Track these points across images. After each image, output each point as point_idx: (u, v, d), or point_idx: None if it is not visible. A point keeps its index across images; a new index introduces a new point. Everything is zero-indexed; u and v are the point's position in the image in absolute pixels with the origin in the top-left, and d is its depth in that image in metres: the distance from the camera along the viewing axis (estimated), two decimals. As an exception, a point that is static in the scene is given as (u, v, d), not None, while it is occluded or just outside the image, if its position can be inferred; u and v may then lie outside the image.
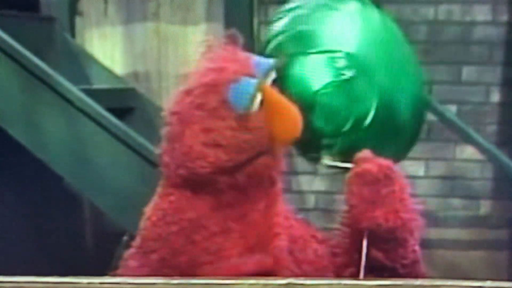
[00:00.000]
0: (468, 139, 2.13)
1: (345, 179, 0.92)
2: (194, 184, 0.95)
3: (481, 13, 2.29)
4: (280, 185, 0.97)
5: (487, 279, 0.88)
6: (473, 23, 2.30)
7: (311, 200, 2.22)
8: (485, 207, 2.31)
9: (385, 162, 0.91)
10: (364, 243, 0.89)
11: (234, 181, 0.93)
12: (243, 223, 0.93)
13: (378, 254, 0.90)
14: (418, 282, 0.89)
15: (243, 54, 0.96)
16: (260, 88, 0.93)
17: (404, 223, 0.89)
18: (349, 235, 0.92)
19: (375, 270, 0.90)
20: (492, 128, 2.32)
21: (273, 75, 0.95)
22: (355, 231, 0.91)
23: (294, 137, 0.92)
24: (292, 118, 0.92)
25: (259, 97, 0.93)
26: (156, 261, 0.93)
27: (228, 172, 0.93)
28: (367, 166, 0.90)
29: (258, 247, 0.92)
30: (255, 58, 0.96)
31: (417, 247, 0.93)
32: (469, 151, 2.26)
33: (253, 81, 0.92)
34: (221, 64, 0.94)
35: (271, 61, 0.95)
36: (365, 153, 0.93)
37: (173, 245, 0.94)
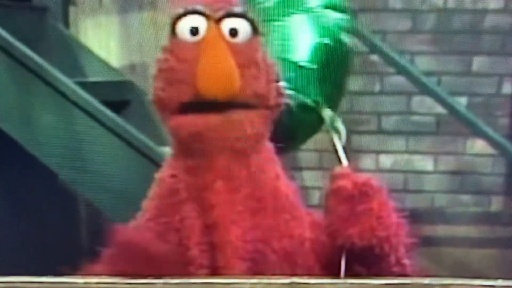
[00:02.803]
0: (478, 133, 2.14)
1: (324, 195, 0.93)
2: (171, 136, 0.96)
3: (493, 0, 2.29)
4: (256, 165, 0.92)
5: (498, 278, 0.88)
6: (484, 11, 2.30)
7: (315, 196, 2.23)
8: (496, 203, 2.32)
9: (362, 178, 0.90)
10: (342, 260, 0.90)
11: (180, 135, 0.91)
12: (200, 198, 0.92)
13: (359, 269, 0.91)
14: (427, 281, 0.89)
15: None
16: (209, 21, 0.91)
17: (381, 241, 0.89)
18: (330, 248, 0.92)
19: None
20: (504, 121, 2.32)
21: (235, 23, 0.91)
22: (334, 246, 0.91)
23: (217, 95, 0.88)
24: (216, 73, 0.89)
25: (201, 27, 0.90)
26: (146, 219, 0.95)
27: (170, 113, 0.91)
28: (341, 182, 0.90)
29: (213, 233, 0.91)
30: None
31: (405, 261, 0.93)
32: (479, 145, 2.26)
33: (199, 5, 0.91)
34: None
35: (244, 8, 0.92)
36: (343, 168, 0.93)
37: (157, 205, 0.95)
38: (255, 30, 0.93)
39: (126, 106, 2.03)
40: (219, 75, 0.90)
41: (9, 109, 1.65)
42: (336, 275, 0.90)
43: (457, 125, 2.20)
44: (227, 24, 0.92)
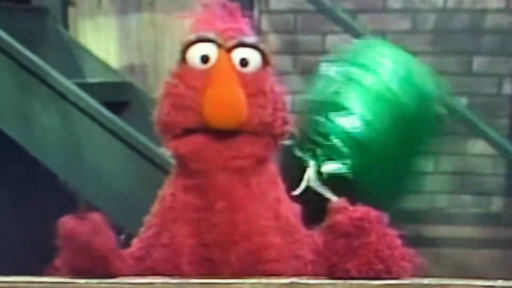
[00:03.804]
0: (479, 133, 2.14)
1: (321, 229, 0.93)
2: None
3: (493, 0, 2.30)
4: (258, 188, 0.94)
5: (498, 279, 0.89)
6: (484, 11, 2.30)
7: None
8: (497, 204, 2.32)
9: (358, 212, 0.91)
10: None
11: (181, 156, 0.92)
12: (199, 217, 0.93)
13: None
14: (427, 281, 0.90)
15: (234, 17, 0.95)
16: (220, 49, 0.92)
17: (379, 274, 0.90)
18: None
19: None
20: (504, 121, 2.33)
21: (246, 53, 0.92)
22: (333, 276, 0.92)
23: (223, 125, 0.90)
24: (224, 103, 0.90)
25: (212, 58, 0.91)
26: (149, 236, 0.96)
27: (173, 136, 0.93)
28: (338, 218, 0.91)
29: (213, 251, 0.92)
30: (241, 25, 0.95)
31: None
32: (480, 146, 2.27)
33: (211, 33, 0.92)
34: (203, 20, 0.94)
35: (255, 38, 0.94)
36: (340, 202, 0.93)
37: (158, 222, 0.96)
38: (265, 60, 0.94)
39: (125, 107, 2.04)
40: (226, 105, 0.90)
41: (8, 110, 1.66)
42: None
43: (457, 125, 2.20)
44: (238, 54, 0.93)
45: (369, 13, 2.35)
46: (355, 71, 1.07)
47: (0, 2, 1.91)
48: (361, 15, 2.31)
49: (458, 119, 2.14)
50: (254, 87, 0.93)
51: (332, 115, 1.04)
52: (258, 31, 2.37)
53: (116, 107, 1.89)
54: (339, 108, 1.05)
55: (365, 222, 0.91)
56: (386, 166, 1.04)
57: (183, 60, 0.94)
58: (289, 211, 0.97)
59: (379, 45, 1.11)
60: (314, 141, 1.04)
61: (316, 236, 0.96)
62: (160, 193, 0.98)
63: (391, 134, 1.05)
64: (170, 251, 0.93)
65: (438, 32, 2.34)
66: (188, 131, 0.92)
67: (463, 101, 2.30)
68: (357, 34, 2.11)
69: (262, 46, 0.94)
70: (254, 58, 0.94)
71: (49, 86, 1.63)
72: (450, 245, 2.15)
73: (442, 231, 2.19)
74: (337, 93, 1.05)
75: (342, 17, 2.13)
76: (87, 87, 1.72)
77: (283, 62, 2.32)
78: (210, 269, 0.92)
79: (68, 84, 1.65)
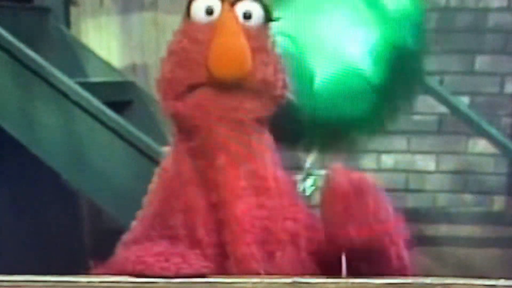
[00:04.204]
0: (481, 132, 2.14)
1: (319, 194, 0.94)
2: (172, 124, 0.97)
3: (496, -1, 2.30)
4: (257, 146, 0.94)
5: (500, 278, 0.89)
6: (487, 10, 2.30)
7: (316, 197, 2.23)
8: (498, 203, 2.32)
9: (356, 175, 0.92)
10: (343, 258, 0.91)
11: (181, 114, 0.93)
12: (203, 176, 0.93)
13: (360, 264, 0.92)
14: (429, 280, 0.90)
15: None
16: (223, 4, 0.92)
17: (380, 236, 0.90)
18: (328, 247, 0.94)
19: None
20: (506, 120, 2.32)
21: (249, 6, 0.92)
22: (332, 245, 0.93)
23: (229, 76, 0.90)
24: (229, 54, 0.90)
25: (216, 11, 0.92)
26: (150, 215, 0.96)
27: (176, 94, 0.93)
28: (337, 180, 0.91)
29: (218, 210, 0.92)
30: None
31: (403, 253, 0.94)
32: (482, 145, 2.27)
33: None
34: None
35: None
36: (336, 166, 0.93)
37: (161, 195, 0.97)
38: (267, 15, 0.95)
39: (127, 106, 2.04)
40: (231, 56, 0.91)
41: (11, 110, 1.67)
42: (336, 274, 0.91)
43: (459, 124, 2.20)
44: (242, 6, 0.93)
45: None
46: None
47: (2, 2, 1.92)
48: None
49: (460, 118, 2.14)
50: (257, 41, 0.93)
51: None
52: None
53: (118, 106, 1.89)
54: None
55: (364, 185, 0.91)
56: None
57: (187, 16, 0.95)
58: (286, 177, 0.98)
59: None
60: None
61: (310, 211, 0.97)
62: (160, 167, 0.99)
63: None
64: (187, 215, 0.93)
65: (440, 31, 2.33)
66: (191, 88, 0.92)
67: (465, 100, 2.30)
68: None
69: (265, 0, 0.95)
70: (257, 11, 0.94)
71: (51, 85, 1.63)
72: (451, 244, 2.15)
73: (444, 230, 2.19)
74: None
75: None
76: (89, 87, 1.72)
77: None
78: (218, 230, 0.92)
79: (70, 83, 1.65)
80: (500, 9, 2.30)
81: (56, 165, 1.65)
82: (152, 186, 0.99)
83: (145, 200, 0.99)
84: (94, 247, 2.13)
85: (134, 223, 0.99)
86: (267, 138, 0.97)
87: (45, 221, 1.99)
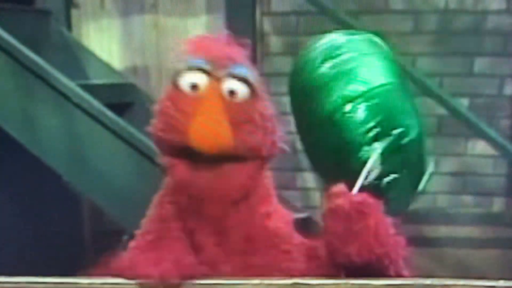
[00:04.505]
0: (480, 134, 2.14)
1: (321, 215, 0.95)
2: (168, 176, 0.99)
3: (495, 1, 2.29)
4: (248, 210, 0.96)
5: (500, 279, 0.89)
6: (485, 12, 2.30)
7: (316, 198, 2.23)
8: (498, 204, 2.32)
9: (358, 196, 0.93)
10: (342, 277, 0.93)
11: (174, 179, 0.95)
12: (191, 236, 0.96)
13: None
14: (429, 281, 0.90)
15: (229, 46, 0.97)
16: (210, 78, 0.94)
17: (379, 257, 0.91)
18: (328, 265, 0.94)
19: None
20: (505, 122, 2.32)
21: (234, 84, 0.94)
22: (332, 264, 0.94)
23: (207, 149, 0.92)
24: (208, 129, 0.92)
25: (202, 86, 0.94)
26: (148, 242, 0.97)
27: (166, 153, 0.95)
28: (338, 201, 0.92)
29: (206, 269, 0.94)
30: (237, 57, 0.96)
31: (404, 272, 0.94)
32: (481, 146, 2.26)
33: (203, 62, 0.94)
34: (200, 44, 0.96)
35: (245, 70, 0.96)
36: (339, 187, 0.94)
37: (157, 227, 0.98)
38: (253, 91, 0.96)
39: (128, 108, 2.04)
40: (211, 132, 0.93)
41: (12, 112, 1.67)
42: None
43: (458, 126, 2.20)
44: (227, 84, 0.95)
45: (372, 14, 2.35)
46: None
47: (4, 4, 1.92)
48: (363, 16, 2.31)
49: (459, 120, 2.14)
50: (241, 116, 0.95)
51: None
52: (260, 33, 2.38)
53: (119, 108, 1.89)
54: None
55: (365, 207, 0.92)
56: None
57: (175, 84, 0.96)
58: (278, 222, 0.99)
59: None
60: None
61: (308, 242, 0.98)
62: (158, 197, 1.00)
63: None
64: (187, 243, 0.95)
65: (439, 33, 2.33)
66: (177, 152, 0.95)
67: (464, 102, 2.30)
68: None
69: (251, 78, 0.96)
70: (242, 90, 0.96)
71: (53, 88, 1.63)
72: (451, 245, 2.15)
73: (444, 231, 2.19)
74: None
75: (344, 19, 2.13)
76: (90, 89, 1.72)
77: (285, 63, 2.32)
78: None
79: (71, 85, 1.65)
80: (498, 12, 2.30)
81: (57, 167, 1.65)
82: (150, 215, 1.00)
83: (143, 223, 1.00)
84: (95, 249, 2.13)
85: (132, 244, 1.00)
86: (261, 188, 0.98)
87: (46, 222, 1.99)
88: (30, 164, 1.69)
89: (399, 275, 0.93)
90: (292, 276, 0.94)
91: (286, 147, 0.98)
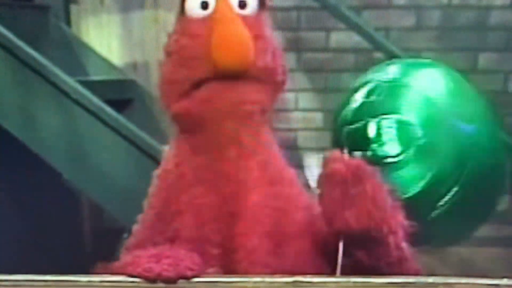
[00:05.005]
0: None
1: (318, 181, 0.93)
2: (174, 123, 0.97)
3: (498, -4, 2.30)
4: (265, 138, 0.94)
5: (503, 277, 0.89)
6: (489, 7, 2.30)
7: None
8: (502, 202, 2.32)
9: (354, 161, 0.92)
10: (340, 245, 0.91)
11: (189, 112, 0.92)
12: (213, 172, 0.93)
13: (359, 253, 0.91)
14: (431, 279, 0.90)
15: None
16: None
17: (378, 223, 0.89)
18: (327, 235, 0.93)
19: (358, 270, 0.91)
20: (510, 119, 2.32)
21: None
22: (331, 232, 0.92)
23: (233, 66, 0.89)
24: (232, 43, 0.89)
25: (211, 3, 0.92)
26: (152, 217, 0.96)
27: (180, 94, 0.92)
28: (335, 166, 0.91)
29: (231, 203, 0.92)
30: None
31: (403, 244, 0.93)
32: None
33: None
34: None
35: None
36: (334, 153, 0.93)
37: (162, 198, 0.97)
38: (262, 2, 0.95)
39: (128, 105, 2.05)
40: (234, 44, 0.90)
41: (11, 108, 1.67)
42: (334, 262, 0.91)
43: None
44: None
45: (374, 9, 2.34)
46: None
47: (2, 0, 1.92)
48: (365, 12, 2.31)
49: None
50: (255, 30, 0.93)
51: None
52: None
53: (119, 104, 1.89)
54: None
55: (362, 171, 0.91)
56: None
57: (182, 13, 0.94)
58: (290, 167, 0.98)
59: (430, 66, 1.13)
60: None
61: (311, 198, 0.97)
62: (159, 170, 0.99)
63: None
64: (191, 216, 0.93)
65: (443, 29, 2.33)
66: (195, 86, 0.92)
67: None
68: (361, 31, 2.10)
69: None
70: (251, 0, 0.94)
71: (52, 84, 1.63)
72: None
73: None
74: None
75: (346, 14, 2.12)
76: (90, 85, 1.72)
77: (286, 59, 2.32)
78: (228, 224, 0.92)
79: (70, 81, 1.65)
80: (503, 7, 2.30)
81: (56, 164, 1.65)
82: (152, 189, 0.99)
83: (146, 203, 0.99)
84: (95, 247, 2.13)
85: (135, 227, 0.99)
86: (271, 130, 0.97)
87: (45, 220, 1.99)
88: (29, 161, 1.69)
89: (398, 247, 0.92)
90: (307, 210, 0.93)
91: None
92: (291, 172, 0.98)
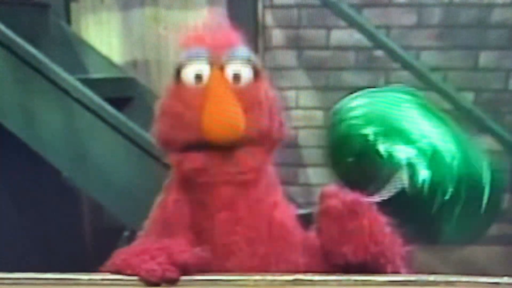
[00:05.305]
0: (485, 129, 2.14)
1: (315, 216, 0.95)
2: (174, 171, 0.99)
3: (500, -6, 2.29)
4: (260, 195, 0.96)
5: (504, 275, 0.89)
6: (491, 5, 2.30)
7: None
8: (503, 201, 2.32)
9: (350, 196, 0.93)
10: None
11: (184, 172, 0.94)
12: (206, 225, 0.96)
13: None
14: (432, 277, 0.90)
15: (225, 33, 0.97)
16: (212, 67, 0.94)
17: (375, 256, 0.91)
18: (325, 265, 0.95)
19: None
20: (511, 117, 2.32)
21: (238, 68, 0.94)
22: (329, 264, 0.94)
23: (223, 140, 0.92)
24: (222, 120, 0.92)
25: (205, 74, 0.94)
26: (151, 242, 0.97)
27: (175, 150, 0.95)
28: (331, 202, 0.93)
29: (214, 261, 0.94)
30: (234, 43, 0.96)
31: (400, 271, 0.94)
32: (486, 142, 2.26)
33: (202, 51, 0.94)
34: (196, 35, 0.96)
35: (246, 52, 0.95)
36: (331, 187, 0.95)
37: (160, 233, 0.98)
38: (257, 74, 0.96)
39: (128, 103, 2.05)
40: (224, 120, 0.92)
41: (11, 106, 1.67)
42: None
43: (463, 121, 2.20)
44: (231, 69, 0.94)
45: (375, 7, 2.34)
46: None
47: (2, -2, 1.92)
48: (366, 10, 2.31)
49: (464, 115, 2.14)
50: (249, 100, 0.95)
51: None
52: (262, 26, 2.37)
53: (119, 102, 1.89)
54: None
55: (358, 206, 0.92)
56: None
57: (177, 80, 0.96)
58: (285, 214, 0.99)
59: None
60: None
61: (311, 237, 0.98)
62: (161, 198, 1.00)
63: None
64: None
65: (444, 27, 2.33)
66: (189, 146, 0.95)
67: (469, 96, 2.30)
68: (362, 29, 2.10)
69: (253, 59, 0.96)
70: (246, 72, 0.95)
71: (52, 82, 1.64)
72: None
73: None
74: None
75: (347, 12, 2.12)
76: (90, 83, 1.72)
77: (287, 57, 2.32)
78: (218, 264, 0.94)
79: (70, 79, 1.65)
80: (504, 5, 2.30)
81: (56, 162, 1.65)
82: (152, 215, 1.00)
83: (146, 225, 1.00)
84: (95, 245, 2.14)
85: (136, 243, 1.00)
86: (269, 177, 0.98)
87: (45, 218, 1.99)
88: (29, 159, 1.70)
89: (396, 274, 0.93)
90: (296, 268, 0.95)
91: (291, 132, 0.98)
92: (278, 221, 0.98)
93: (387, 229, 0.93)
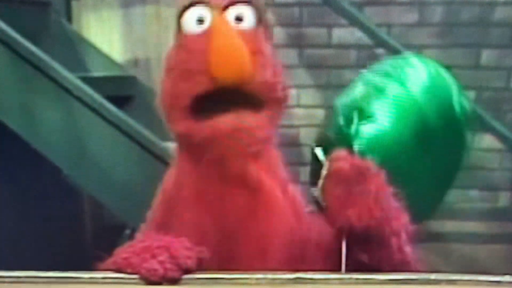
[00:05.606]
0: (486, 127, 2.14)
1: (321, 179, 0.94)
2: (177, 142, 0.97)
3: (502, -8, 2.29)
4: (271, 169, 0.95)
5: (505, 274, 0.89)
6: (493, 3, 2.30)
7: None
8: (504, 199, 2.32)
9: (359, 160, 0.93)
10: (343, 243, 0.91)
11: (192, 139, 0.92)
12: (216, 197, 0.93)
13: (361, 255, 0.92)
14: (433, 276, 0.90)
15: None
16: (213, 13, 0.92)
17: (380, 223, 0.90)
18: (331, 234, 0.94)
19: (361, 271, 0.91)
20: (512, 116, 2.33)
21: (240, 10, 0.92)
22: (335, 231, 0.93)
23: (232, 78, 0.89)
24: (229, 56, 0.89)
25: (207, 20, 0.92)
26: (155, 225, 0.97)
27: (182, 111, 0.92)
28: (339, 164, 0.92)
29: (233, 230, 0.93)
30: None
31: (406, 248, 0.93)
32: (487, 140, 2.26)
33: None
34: None
35: None
36: (339, 151, 0.94)
37: (162, 212, 0.97)
38: (260, 18, 0.94)
39: (129, 101, 2.05)
40: (231, 57, 0.90)
41: (12, 105, 1.67)
42: (338, 264, 0.92)
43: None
44: (232, 11, 0.93)
45: (376, 5, 2.34)
46: (383, 81, 1.08)
47: (3, -4, 1.92)
48: (367, 8, 2.31)
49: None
50: (252, 44, 0.92)
51: (355, 121, 1.06)
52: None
53: (120, 101, 1.89)
54: (364, 115, 1.06)
55: (366, 170, 0.91)
56: (404, 180, 1.04)
57: (179, 29, 0.94)
58: (294, 190, 0.99)
59: (413, 59, 1.13)
60: (336, 143, 1.05)
61: (317, 215, 0.97)
62: (164, 184, 0.99)
63: (414, 148, 1.06)
64: (189, 235, 0.93)
65: (445, 25, 2.33)
66: (197, 102, 0.92)
67: (471, 94, 2.30)
68: (363, 27, 2.10)
69: (256, 2, 0.94)
70: (248, 14, 0.94)
71: (53, 80, 1.64)
72: (457, 240, 2.15)
73: (449, 226, 2.19)
74: (363, 100, 1.07)
75: (349, 10, 2.12)
76: (91, 81, 1.73)
77: (288, 55, 2.32)
78: (227, 249, 0.93)
79: (71, 78, 1.66)
80: (506, 3, 2.29)
81: (57, 160, 1.66)
82: (155, 202, 0.99)
83: (148, 214, 1.00)
84: (96, 243, 2.14)
85: (138, 236, 1.00)
86: (275, 155, 0.97)
87: (46, 217, 1.99)
88: (29, 157, 1.70)
89: (401, 250, 0.92)
90: (308, 239, 0.93)
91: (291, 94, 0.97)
92: (291, 194, 0.98)
93: (394, 201, 0.92)
